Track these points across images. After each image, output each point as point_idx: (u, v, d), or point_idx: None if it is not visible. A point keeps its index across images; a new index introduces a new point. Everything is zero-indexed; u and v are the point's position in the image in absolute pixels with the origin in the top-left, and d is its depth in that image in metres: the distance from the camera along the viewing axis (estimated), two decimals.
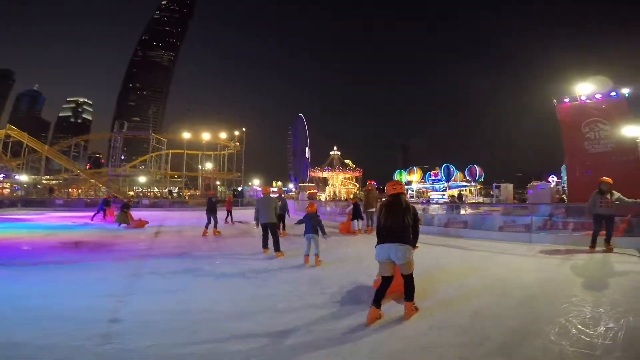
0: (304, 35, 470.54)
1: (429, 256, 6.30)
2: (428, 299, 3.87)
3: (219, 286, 4.84)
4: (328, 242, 6.48)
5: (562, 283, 4.47)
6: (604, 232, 6.46)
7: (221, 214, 12.43)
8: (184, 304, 3.98)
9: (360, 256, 6.73)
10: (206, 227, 10.60)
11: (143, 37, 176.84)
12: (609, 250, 6.32)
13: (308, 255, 6.24)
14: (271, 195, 7.89)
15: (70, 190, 42.33)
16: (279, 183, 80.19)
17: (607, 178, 6.47)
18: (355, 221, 10.95)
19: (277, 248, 7.03)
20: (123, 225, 12.68)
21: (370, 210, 10.93)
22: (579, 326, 2.96)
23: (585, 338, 2.75)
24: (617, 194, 6.34)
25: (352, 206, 11.25)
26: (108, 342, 2.89)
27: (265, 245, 7.31)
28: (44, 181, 44.34)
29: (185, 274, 5.58)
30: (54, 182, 45.65)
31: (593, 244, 6.51)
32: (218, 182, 47.67)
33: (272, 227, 7.20)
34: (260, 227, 7.32)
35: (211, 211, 10.66)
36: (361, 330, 3.08)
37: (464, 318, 3.30)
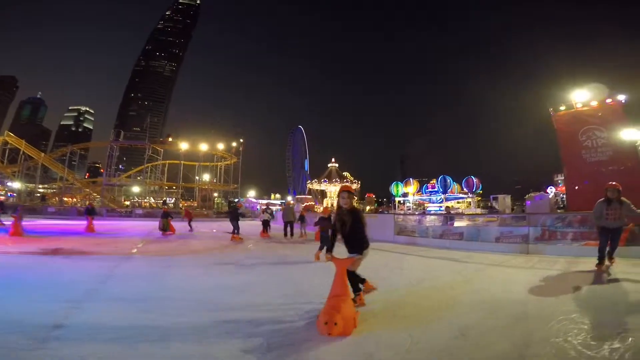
0: (304, 45, 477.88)
1: (418, 269, 6.07)
2: (408, 316, 3.48)
3: (187, 297, 4.41)
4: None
5: (560, 298, 4.06)
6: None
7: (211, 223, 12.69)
8: (144, 313, 3.60)
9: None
10: (233, 233, 11.65)
11: (146, 47, 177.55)
12: (611, 263, 5.80)
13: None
14: (291, 205, 14.24)
15: (65, 198, 41.83)
16: (278, 195, 79.80)
17: (615, 183, 5.58)
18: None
19: (292, 234, 12.77)
20: (161, 232, 13.24)
21: None
22: (579, 347, 2.58)
23: None
24: (627, 202, 5.44)
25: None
26: (41, 347, 2.66)
27: (285, 235, 12.64)
28: (39, 189, 43.91)
29: (155, 282, 5.21)
30: (48, 190, 45.24)
31: (601, 262, 5.57)
32: (215, 194, 47.24)
33: (291, 223, 12.92)
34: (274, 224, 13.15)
35: (235, 219, 11.86)
36: (331, 355, 2.67)
37: (447, 339, 2.88)
